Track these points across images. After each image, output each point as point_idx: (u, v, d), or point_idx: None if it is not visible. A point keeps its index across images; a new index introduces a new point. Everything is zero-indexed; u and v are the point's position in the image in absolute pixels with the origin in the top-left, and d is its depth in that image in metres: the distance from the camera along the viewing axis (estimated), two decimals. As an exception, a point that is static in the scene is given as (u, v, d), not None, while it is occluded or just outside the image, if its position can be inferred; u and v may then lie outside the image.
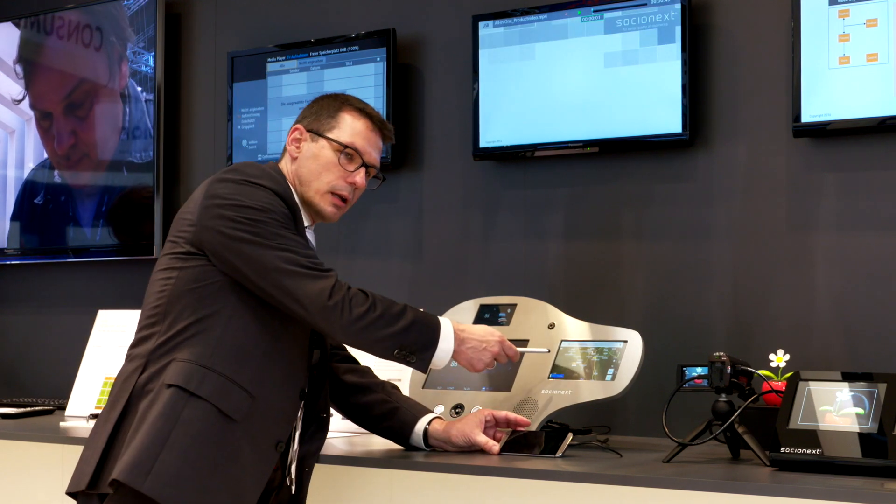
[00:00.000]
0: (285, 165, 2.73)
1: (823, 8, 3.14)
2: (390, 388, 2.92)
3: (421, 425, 2.83)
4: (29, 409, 3.78)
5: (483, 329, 2.73)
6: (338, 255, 3.98)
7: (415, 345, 2.59)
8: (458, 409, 3.07)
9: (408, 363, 2.60)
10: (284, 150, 2.76)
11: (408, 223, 3.86)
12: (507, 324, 3.18)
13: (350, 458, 2.89)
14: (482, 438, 2.78)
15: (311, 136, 2.71)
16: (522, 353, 2.93)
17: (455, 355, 2.66)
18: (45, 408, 3.89)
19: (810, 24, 3.15)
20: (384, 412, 2.86)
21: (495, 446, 2.77)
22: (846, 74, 3.11)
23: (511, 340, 3.14)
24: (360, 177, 2.71)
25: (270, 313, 2.54)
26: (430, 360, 2.62)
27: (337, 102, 2.75)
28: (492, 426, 2.83)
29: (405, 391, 3.26)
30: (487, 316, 3.23)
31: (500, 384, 3.07)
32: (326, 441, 3.12)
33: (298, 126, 2.74)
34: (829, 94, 3.13)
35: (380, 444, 3.10)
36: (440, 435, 2.81)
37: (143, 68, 4.37)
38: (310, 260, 2.53)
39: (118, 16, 4.47)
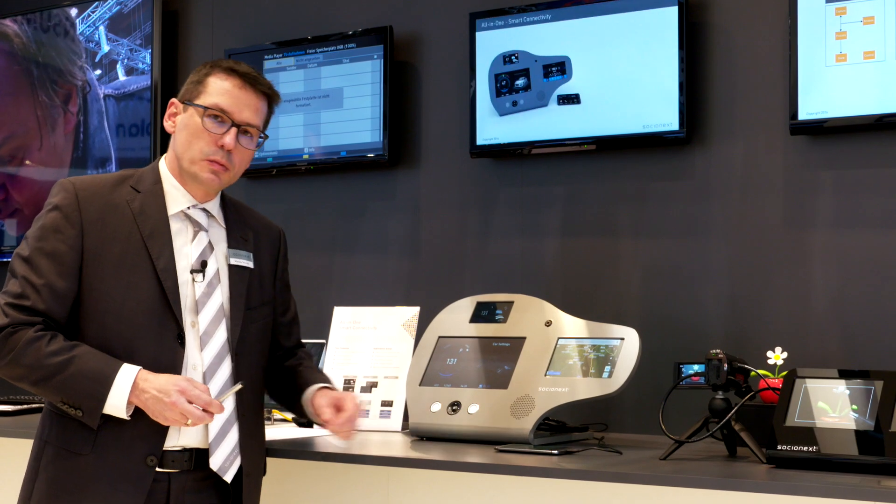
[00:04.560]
0: (170, 146, 2.64)
1: (820, 6, 3.13)
2: (307, 371, 2.76)
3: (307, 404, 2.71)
4: (26, 406, 3.78)
5: (165, 379, 2.43)
6: (334, 252, 3.98)
7: (77, 398, 2.42)
8: (455, 406, 3.07)
9: (77, 417, 2.44)
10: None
11: (405, 221, 3.86)
12: (504, 321, 3.18)
13: (347, 455, 2.89)
14: (327, 415, 2.65)
15: (184, 107, 2.60)
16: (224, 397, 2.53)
17: (141, 406, 2.43)
18: (42, 405, 3.89)
19: (807, 21, 3.15)
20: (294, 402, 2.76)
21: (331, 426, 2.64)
22: (843, 72, 3.11)
23: (508, 338, 3.14)
24: (229, 138, 2.55)
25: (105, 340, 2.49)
26: (96, 415, 2.42)
27: (206, 67, 2.64)
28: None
29: (401, 387, 3.27)
30: (484, 313, 3.23)
31: (498, 382, 3.07)
32: (323, 438, 3.12)
33: (173, 100, 2.63)
34: (826, 92, 3.13)
35: (377, 441, 3.10)
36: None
37: (140, 65, 4.37)
38: (15, 297, 2.45)
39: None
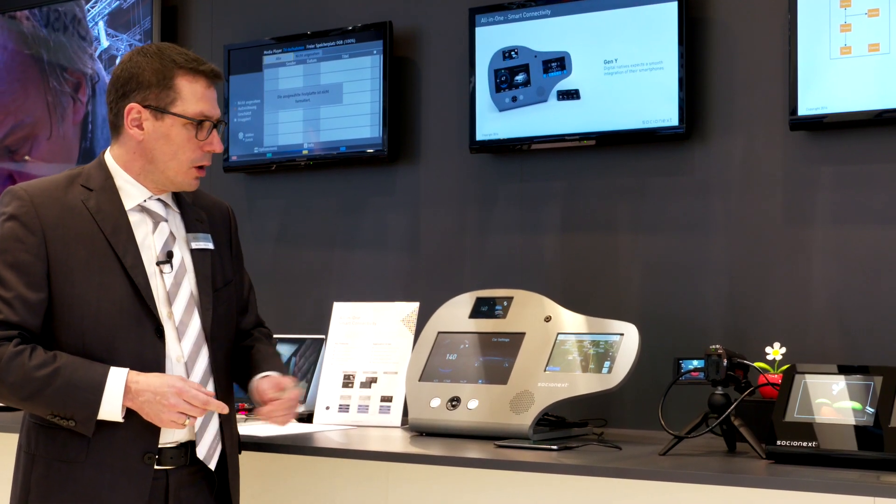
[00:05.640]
0: (123, 144, 2.54)
1: (824, -1, 3.13)
2: (260, 355, 2.72)
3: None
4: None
5: (160, 379, 2.42)
6: (334, 247, 3.98)
7: (69, 409, 2.38)
8: (454, 401, 3.07)
9: (70, 427, 2.40)
10: (117, 128, 2.54)
11: (404, 216, 3.86)
12: (504, 317, 3.18)
13: (346, 450, 2.89)
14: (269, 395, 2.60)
15: (154, 114, 2.50)
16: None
17: (136, 408, 2.41)
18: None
19: (809, 15, 3.14)
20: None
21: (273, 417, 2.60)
22: (844, 67, 3.10)
23: (508, 334, 3.14)
24: (216, 141, 2.54)
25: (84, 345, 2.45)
26: (91, 423, 2.40)
27: (164, 66, 2.51)
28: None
29: (401, 382, 3.27)
30: (484, 309, 3.23)
31: (497, 377, 3.07)
32: (322, 434, 3.13)
33: (134, 105, 2.49)
34: (826, 87, 3.12)
35: (376, 436, 3.10)
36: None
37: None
38: None
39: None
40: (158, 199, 2.57)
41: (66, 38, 4.56)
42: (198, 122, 2.51)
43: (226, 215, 2.75)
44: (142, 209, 2.54)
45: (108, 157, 2.57)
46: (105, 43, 4.48)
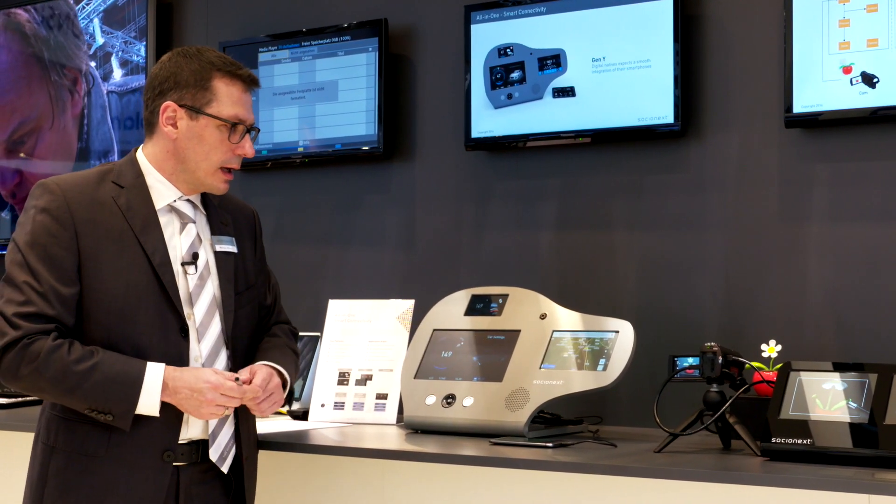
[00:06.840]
0: (156, 143, 2.57)
1: (819, -4, 3.13)
2: (264, 345, 2.72)
3: None
4: (21, 399, 3.77)
5: (195, 375, 2.45)
6: (330, 245, 3.98)
7: (108, 403, 2.40)
8: (449, 399, 3.07)
9: (107, 422, 2.41)
10: (151, 126, 2.57)
11: (400, 214, 3.86)
12: (499, 314, 3.18)
13: (341, 448, 2.89)
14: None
15: (189, 114, 2.53)
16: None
17: (175, 404, 2.44)
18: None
19: (804, 12, 3.14)
20: None
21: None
22: (840, 63, 3.10)
23: (503, 331, 3.14)
24: (248, 145, 2.58)
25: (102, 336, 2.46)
26: (128, 418, 2.41)
27: (202, 67, 2.55)
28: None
29: (396, 380, 3.27)
30: (479, 306, 3.23)
31: (492, 374, 3.07)
32: (318, 431, 3.13)
33: (170, 103, 2.53)
34: (821, 84, 3.12)
35: (372, 434, 3.10)
36: None
37: (135, 58, 4.36)
38: (21, 305, 2.38)
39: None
40: (188, 200, 2.59)
41: (62, 36, 4.56)
42: (231, 125, 2.54)
43: (251, 219, 2.78)
44: (171, 209, 2.57)
45: (140, 155, 2.60)
46: (100, 40, 4.47)
